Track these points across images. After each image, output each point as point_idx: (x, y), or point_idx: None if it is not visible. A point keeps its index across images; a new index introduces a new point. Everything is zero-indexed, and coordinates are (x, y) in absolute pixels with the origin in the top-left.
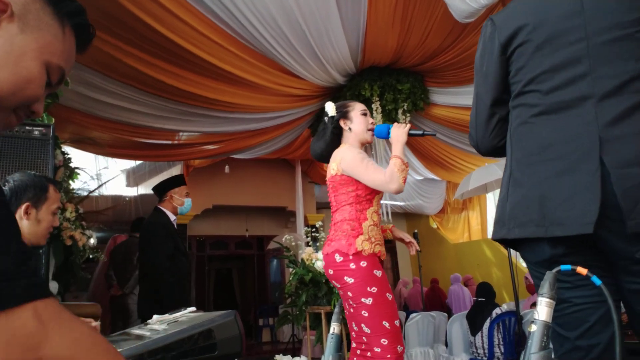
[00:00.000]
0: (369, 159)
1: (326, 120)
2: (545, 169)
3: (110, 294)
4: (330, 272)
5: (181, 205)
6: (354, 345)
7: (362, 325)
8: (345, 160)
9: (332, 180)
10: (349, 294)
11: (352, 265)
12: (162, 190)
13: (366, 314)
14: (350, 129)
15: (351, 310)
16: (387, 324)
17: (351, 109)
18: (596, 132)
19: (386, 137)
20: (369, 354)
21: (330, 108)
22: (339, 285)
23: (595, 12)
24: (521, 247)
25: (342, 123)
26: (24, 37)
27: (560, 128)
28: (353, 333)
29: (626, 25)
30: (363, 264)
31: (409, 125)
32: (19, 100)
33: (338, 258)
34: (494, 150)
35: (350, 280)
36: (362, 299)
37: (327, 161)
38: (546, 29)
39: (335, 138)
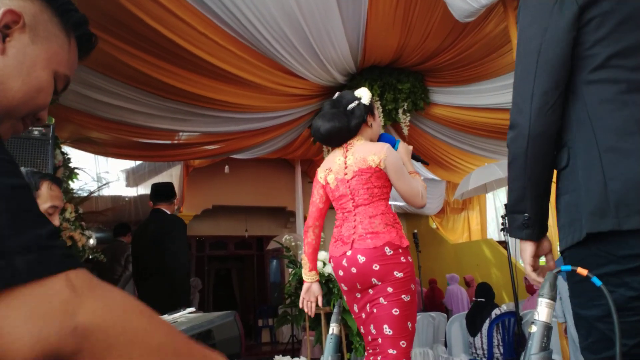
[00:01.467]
0: None
1: (353, 105)
2: None
3: None
4: (376, 267)
5: (174, 212)
6: (370, 350)
7: (385, 326)
8: (393, 158)
9: (369, 171)
10: (389, 289)
11: (403, 259)
12: (173, 193)
13: (397, 312)
14: (371, 125)
15: (374, 310)
16: (410, 325)
17: (376, 107)
18: None
19: None
20: (379, 358)
21: (366, 95)
22: (379, 283)
23: None
24: (605, 240)
25: (368, 117)
26: (35, 48)
27: None
28: (370, 337)
29: None
30: (410, 259)
31: (412, 147)
32: (29, 109)
33: (389, 251)
34: (548, 129)
35: (399, 274)
36: (403, 296)
37: (332, 144)
38: (632, 3)
39: (359, 128)
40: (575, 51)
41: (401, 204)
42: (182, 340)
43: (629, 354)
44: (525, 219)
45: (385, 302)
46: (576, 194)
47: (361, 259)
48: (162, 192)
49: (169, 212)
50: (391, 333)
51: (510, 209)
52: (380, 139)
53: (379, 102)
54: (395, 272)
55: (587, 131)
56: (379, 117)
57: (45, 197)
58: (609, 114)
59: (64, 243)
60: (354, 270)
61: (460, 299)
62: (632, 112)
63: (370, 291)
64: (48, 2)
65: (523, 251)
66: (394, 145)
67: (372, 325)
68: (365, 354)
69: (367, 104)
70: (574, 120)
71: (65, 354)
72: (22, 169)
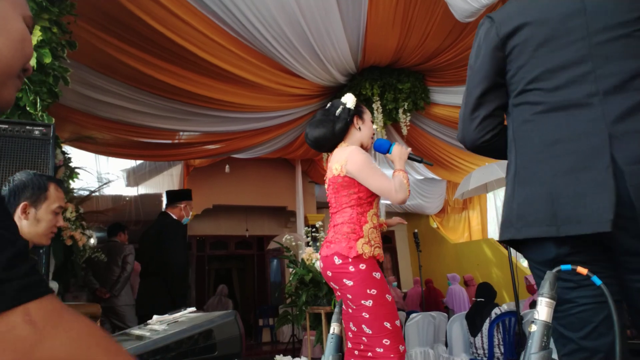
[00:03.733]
0: (375, 163)
1: (339, 110)
2: (553, 166)
3: (98, 297)
4: (329, 273)
5: (187, 217)
6: (350, 345)
7: (363, 326)
8: (353, 162)
9: (334, 181)
10: (349, 295)
11: (352, 268)
12: (178, 197)
13: (367, 316)
14: (360, 129)
15: (350, 310)
16: (388, 325)
17: (365, 111)
18: (605, 129)
19: (385, 152)
20: (369, 354)
21: (350, 100)
22: (337, 287)
23: (597, 12)
24: (525, 247)
25: (355, 120)
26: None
27: (565, 125)
28: (350, 333)
29: (626, 25)
30: (362, 266)
31: (410, 149)
32: (22, 62)
33: (337, 261)
34: (478, 144)
35: (349, 282)
36: (362, 301)
37: (324, 150)
38: (548, 27)
39: (345, 131)
40: (506, 78)
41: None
42: None
43: (580, 348)
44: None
45: (354, 307)
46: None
47: (321, 264)
48: (168, 197)
49: (174, 216)
50: (371, 332)
51: None
52: (375, 143)
53: (379, 102)
54: (344, 280)
55: (512, 150)
56: (372, 122)
57: (54, 198)
58: (525, 135)
59: (27, 269)
60: (322, 272)
61: (461, 299)
62: (542, 133)
63: (339, 292)
64: None
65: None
66: (388, 148)
67: (351, 322)
68: (345, 348)
69: (352, 108)
70: (508, 140)
71: None
72: (27, 172)
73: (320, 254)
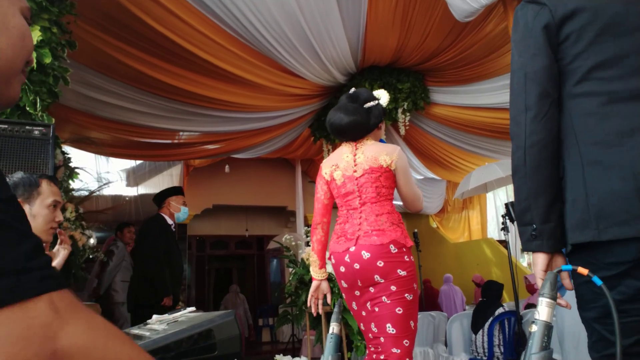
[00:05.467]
0: None
1: (372, 104)
2: (635, 158)
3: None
4: (380, 264)
5: (177, 212)
6: (372, 348)
7: (388, 325)
8: (403, 160)
9: (379, 171)
10: (392, 288)
11: (406, 258)
12: (160, 198)
13: (400, 311)
14: (381, 128)
15: (376, 309)
16: (412, 325)
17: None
18: None
19: None
20: (382, 357)
21: (385, 97)
22: (381, 281)
23: None
24: (590, 248)
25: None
26: None
27: (638, 116)
28: (370, 335)
29: None
30: (412, 258)
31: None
32: (24, 58)
33: (393, 249)
34: (543, 137)
35: (402, 273)
36: (406, 294)
37: (346, 137)
38: (608, 13)
39: (375, 127)
40: (557, 66)
41: (401, 203)
42: None
43: (626, 353)
44: (533, 229)
45: (389, 301)
46: (566, 205)
47: (366, 255)
48: (154, 201)
49: (165, 215)
50: (394, 332)
51: (519, 221)
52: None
53: None
54: (398, 270)
55: (573, 144)
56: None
57: (47, 193)
58: (591, 126)
59: (47, 261)
60: (356, 266)
61: (452, 299)
62: (613, 124)
63: (372, 289)
64: None
65: (534, 265)
66: None
67: (373, 323)
68: (367, 351)
69: (384, 106)
70: (562, 133)
71: None
72: (19, 174)
73: (357, 244)
